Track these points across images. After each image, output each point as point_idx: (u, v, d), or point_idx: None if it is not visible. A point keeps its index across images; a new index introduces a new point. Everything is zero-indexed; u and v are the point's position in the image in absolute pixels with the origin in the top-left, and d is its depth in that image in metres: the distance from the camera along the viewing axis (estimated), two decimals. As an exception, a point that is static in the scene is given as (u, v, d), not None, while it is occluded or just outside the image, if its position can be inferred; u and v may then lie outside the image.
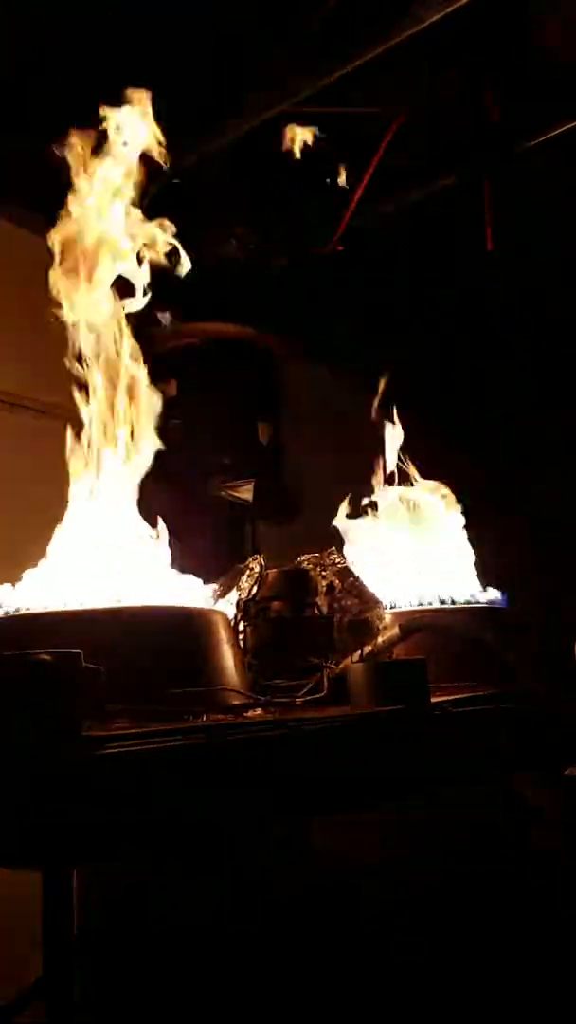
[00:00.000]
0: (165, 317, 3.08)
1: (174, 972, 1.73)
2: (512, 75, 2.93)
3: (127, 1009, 1.75)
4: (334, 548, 1.74)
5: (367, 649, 1.44)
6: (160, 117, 1.66)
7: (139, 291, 1.61)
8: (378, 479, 2.06)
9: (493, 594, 1.84)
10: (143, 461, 1.56)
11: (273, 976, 1.61)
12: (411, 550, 1.91)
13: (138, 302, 1.61)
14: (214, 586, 1.67)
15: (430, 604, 1.75)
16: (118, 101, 1.64)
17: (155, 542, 1.52)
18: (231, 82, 2.93)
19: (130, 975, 1.73)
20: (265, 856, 1.73)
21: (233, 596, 1.66)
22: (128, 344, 1.59)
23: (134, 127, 1.63)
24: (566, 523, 5.12)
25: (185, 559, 1.54)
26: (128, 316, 1.60)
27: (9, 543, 1.53)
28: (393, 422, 2.11)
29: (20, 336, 3.08)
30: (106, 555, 1.42)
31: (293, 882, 1.65)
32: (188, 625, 1.35)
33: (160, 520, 1.55)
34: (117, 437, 1.56)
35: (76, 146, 1.61)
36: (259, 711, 1.31)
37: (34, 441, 2.91)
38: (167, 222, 1.64)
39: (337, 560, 1.70)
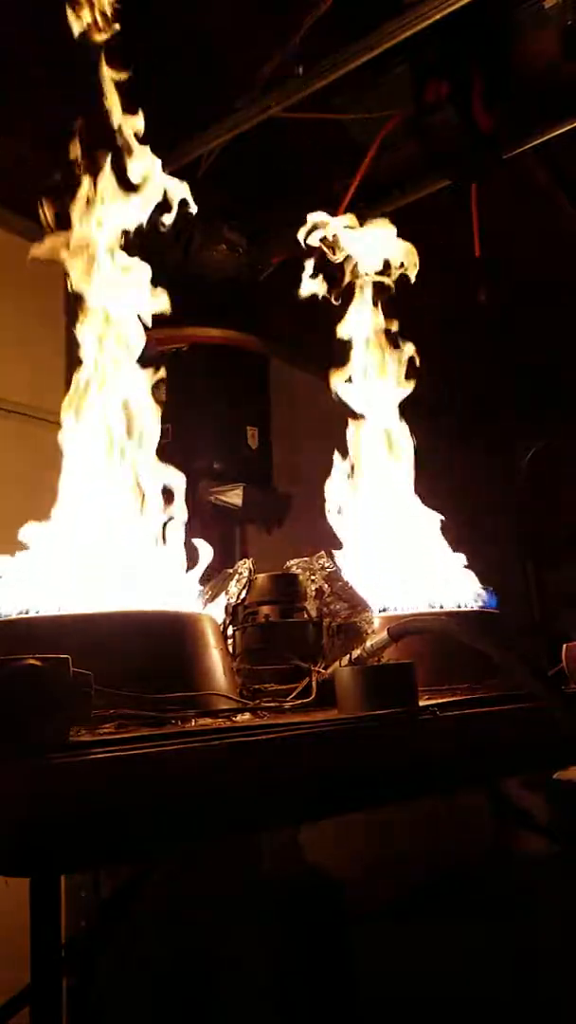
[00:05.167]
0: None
1: (163, 979, 1.72)
2: (500, 82, 2.94)
3: (115, 1019, 1.74)
4: (323, 552, 1.74)
5: (356, 653, 1.44)
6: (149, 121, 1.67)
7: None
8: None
9: (483, 597, 1.85)
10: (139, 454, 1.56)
11: (266, 980, 1.60)
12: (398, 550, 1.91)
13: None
14: (203, 590, 1.67)
15: (419, 608, 1.75)
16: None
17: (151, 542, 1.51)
18: (221, 85, 2.93)
19: (118, 983, 1.72)
20: (255, 860, 1.73)
21: (222, 600, 1.66)
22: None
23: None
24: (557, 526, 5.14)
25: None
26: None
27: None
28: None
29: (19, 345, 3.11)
30: (96, 556, 1.41)
31: (284, 886, 1.65)
32: (177, 629, 1.35)
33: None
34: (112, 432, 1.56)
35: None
36: (248, 715, 1.31)
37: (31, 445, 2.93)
38: None
39: (326, 564, 1.70)
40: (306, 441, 3.83)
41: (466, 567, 1.96)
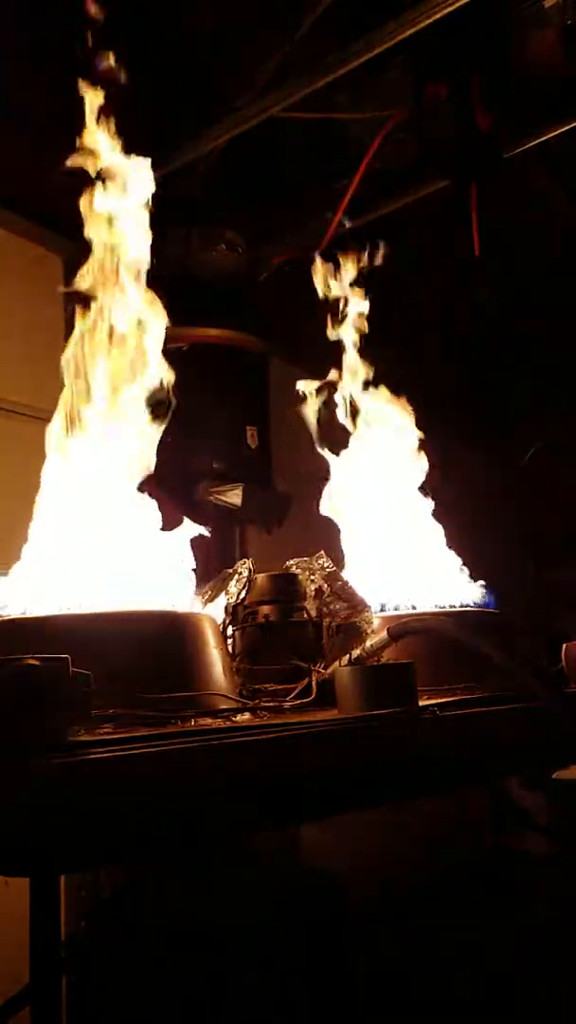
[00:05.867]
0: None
1: (163, 979, 1.72)
2: (500, 82, 2.95)
3: (115, 1018, 1.74)
4: (323, 552, 1.74)
5: (355, 653, 1.44)
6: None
7: None
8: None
9: (482, 596, 1.85)
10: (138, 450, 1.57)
11: (265, 980, 1.60)
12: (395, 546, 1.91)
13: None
14: (203, 590, 1.67)
15: (419, 607, 1.76)
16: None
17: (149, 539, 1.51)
18: (221, 85, 2.93)
19: (118, 983, 1.72)
20: (254, 860, 1.73)
21: (222, 600, 1.66)
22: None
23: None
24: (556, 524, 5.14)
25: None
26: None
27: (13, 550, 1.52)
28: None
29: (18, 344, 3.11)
30: (96, 554, 1.41)
31: (282, 886, 1.65)
32: (177, 629, 1.35)
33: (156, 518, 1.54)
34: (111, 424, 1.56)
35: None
36: (247, 715, 1.31)
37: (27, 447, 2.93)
38: None
39: (326, 564, 1.70)
40: (306, 441, 3.83)
41: (465, 567, 1.96)
